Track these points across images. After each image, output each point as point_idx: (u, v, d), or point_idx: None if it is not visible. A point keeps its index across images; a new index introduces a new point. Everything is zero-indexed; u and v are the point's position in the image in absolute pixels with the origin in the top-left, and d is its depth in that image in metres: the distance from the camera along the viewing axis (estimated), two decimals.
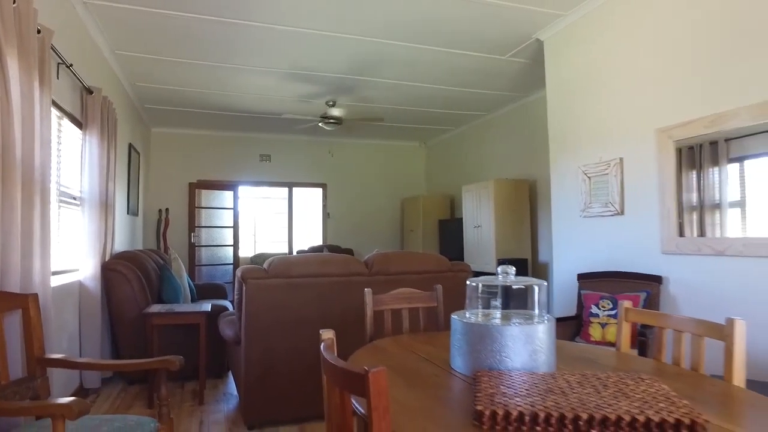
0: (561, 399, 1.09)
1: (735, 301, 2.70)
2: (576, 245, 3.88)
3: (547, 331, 1.39)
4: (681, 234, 3.02)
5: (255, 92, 5.88)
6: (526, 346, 1.35)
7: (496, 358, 1.35)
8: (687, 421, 0.96)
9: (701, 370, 1.45)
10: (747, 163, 2.71)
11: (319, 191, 8.67)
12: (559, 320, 3.32)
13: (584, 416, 0.99)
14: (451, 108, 6.69)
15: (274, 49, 4.54)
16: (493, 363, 1.36)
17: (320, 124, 6.20)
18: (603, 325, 3.08)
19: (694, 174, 2.98)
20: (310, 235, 8.67)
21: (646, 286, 3.13)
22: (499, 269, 1.52)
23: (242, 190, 8.22)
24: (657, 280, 3.13)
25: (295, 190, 8.55)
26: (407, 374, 1.43)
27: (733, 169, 2.78)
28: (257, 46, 4.47)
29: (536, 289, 1.47)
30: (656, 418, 0.97)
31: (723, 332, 1.38)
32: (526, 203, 5.95)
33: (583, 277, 3.55)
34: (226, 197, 8.05)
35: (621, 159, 3.46)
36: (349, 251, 7.83)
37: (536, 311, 1.47)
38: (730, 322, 1.36)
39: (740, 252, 2.69)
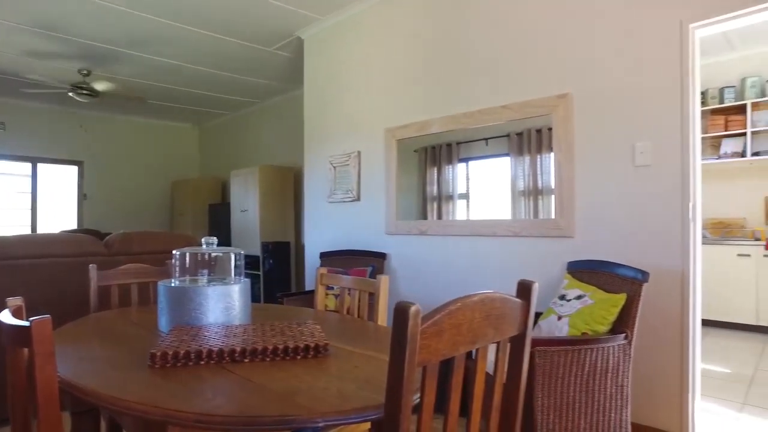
0: (230, 340, 1.35)
1: (433, 267, 3.43)
2: (323, 227, 4.35)
3: (240, 291, 1.65)
4: (425, 217, 3.54)
5: None
6: (219, 303, 1.59)
7: (192, 315, 1.56)
8: (313, 345, 1.31)
9: (363, 315, 1.90)
10: (471, 163, 3.39)
11: (73, 169, 7.66)
12: (304, 293, 3.72)
13: (238, 349, 1.26)
14: (224, 93, 6.65)
15: None
16: (190, 320, 1.56)
17: (71, 94, 5.53)
18: (336, 296, 3.56)
19: (435, 170, 3.59)
20: (62, 218, 7.61)
21: (373, 261, 3.73)
22: (203, 240, 1.72)
23: None
24: (382, 256, 3.76)
25: (41, 166, 7.39)
26: (110, 336, 1.54)
27: (461, 167, 3.41)
28: None
29: (233, 256, 1.72)
30: (291, 345, 1.30)
31: (374, 286, 1.84)
32: (291, 189, 6.33)
33: (324, 255, 4.02)
34: None
35: (359, 152, 4.01)
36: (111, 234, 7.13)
37: (233, 275, 1.72)
38: (378, 279, 1.82)
39: (436, 232, 3.43)
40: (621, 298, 2.14)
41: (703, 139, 5.26)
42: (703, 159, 5.19)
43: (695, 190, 2.34)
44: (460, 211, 3.39)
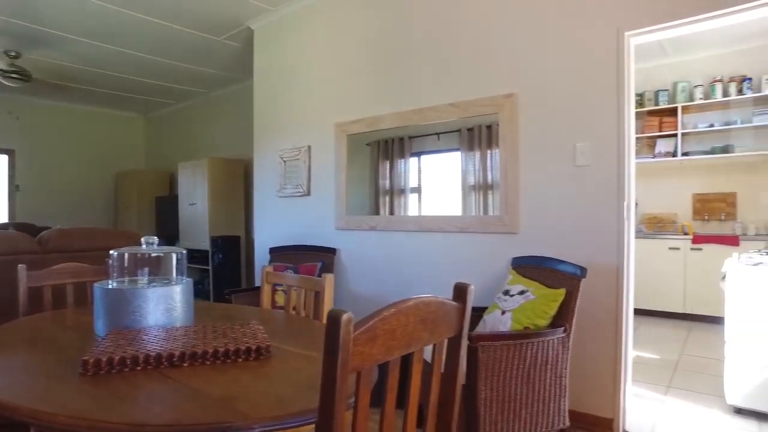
0: (169, 344, 1.32)
1: (383, 263, 3.46)
2: (273, 222, 4.29)
3: (182, 292, 1.61)
4: (377, 213, 3.55)
5: None
6: (159, 305, 1.54)
7: (131, 318, 1.51)
8: (254, 347, 1.31)
9: (309, 314, 1.90)
10: (423, 157, 3.40)
11: (3, 159, 7.19)
12: (253, 289, 3.67)
13: (177, 353, 1.24)
14: (172, 82, 6.41)
15: None
16: (128, 323, 1.51)
17: None
18: (285, 292, 3.53)
19: (387, 164, 3.57)
20: None
21: (323, 257, 3.72)
22: (144, 239, 1.67)
23: None
24: (332, 251, 3.75)
25: None
26: (40, 342, 1.47)
27: (414, 161, 3.42)
28: None
29: (174, 256, 1.68)
30: (232, 347, 1.29)
31: (319, 285, 1.84)
32: (242, 182, 6.20)
33: (273, 251, 3.97)
34: None
35: (309, 147, 3.98)
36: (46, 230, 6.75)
37: (174, 275, 1.68)
38: (323, 277, 1.82)
39: (385, 227, 3.46)
40: (560, 293, 2.24)
41: (639, 139, 5.54)
42: (640, 158, 5.47)
43: (629, 190, 2.47)
44: (412, 205, 3.41)
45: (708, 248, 4.88)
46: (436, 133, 3.24)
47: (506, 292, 2.47)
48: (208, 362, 1.26)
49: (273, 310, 2.01)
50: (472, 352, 2.01)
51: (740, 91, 4.97)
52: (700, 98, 5.15)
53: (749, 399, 2.62)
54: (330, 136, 3.82)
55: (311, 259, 3.75)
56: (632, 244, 2.49)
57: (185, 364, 1.24)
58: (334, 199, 3.79)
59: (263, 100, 4.43)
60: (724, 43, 5.02)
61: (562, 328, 2.21)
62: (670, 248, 5.09)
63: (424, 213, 3.30)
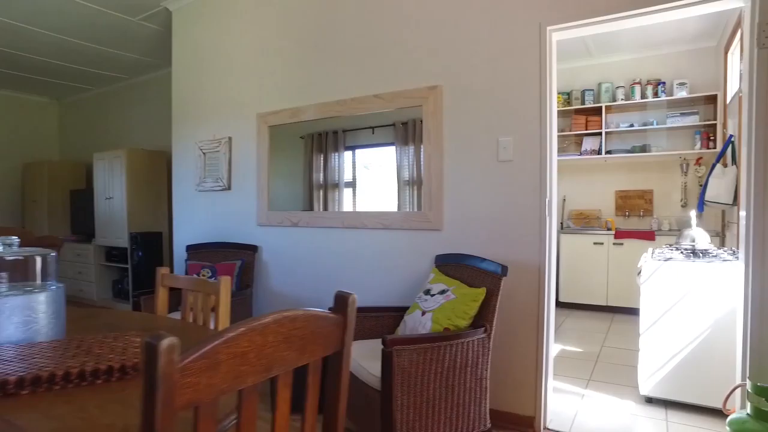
0: (10, 366, 1.11)
1: (306, 261, 3.30)
2: (193, 218, 4.02)
3: (48, 301, 1.39)
4: (311, 208, 3.36)
5: None
6: (14, 317, 1.32)
7: None
8: (118, 365, 1.12)
9: (206, 321, 1.72)
10: (358, 151, 3.25)
11: None
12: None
13: (12, 379, 1.03)
14: (87, 65, 5.89)
15: None
16: None
17: None
18: None
19: (322, 157, 3.39)
20: None
21: (243, 255, 3.51)
22: (0, 240, 1.43)
23: None
24: (253, 248, 3.54)
25: None
26: None
27: (348, 156, 3.26)
28: None
29: (38, 260, 1.45)
30: (89, 367, 1.10)
31: (214, 288, 1.66)
32: (164, 175, 5.81)
33: (191, 249, 3.71)
34: None
35: (230, 138, 3.74)
36: None
37: (38, 281, 1.45)
38: (219, 280, 1.65)
39: (308, 223, 3.30)
40: (481, 293, 2.18)
41: (567, 136, 5.68)
42: (568, 155, 5.61)
43: (552, 186, 2.45)
44: (347, 200, 3.29)
45: (628, 243, 5.07)
46: (370, 127, 3.11)
47: (427, 292, 2.39)
48: (57, 386, 1.06)
49: (168, 317, 1.81)
50: (387, 358, 1.90)
51: (656, 94, 5.19)
52: (622, 99, 5.34)
53: (659, 388, 2.70)
54: (252, 127, 3.60)
55: (230, 257, 3.52)
56: (554, 241, 2.48)
57: (24, 392, 1.04)
58: (256, 193, 3.58)
59: (182, 88, 4.13)
60: (642, 47, 5.23)
61: (483, 329, 2.15)
62: (595, 243, 5.25)
63: (359, 208, 3.16)
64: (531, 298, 2.45)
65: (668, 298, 2.65)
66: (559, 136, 5.71)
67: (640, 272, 2.84)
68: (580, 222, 5.72)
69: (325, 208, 3.36)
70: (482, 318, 2.18)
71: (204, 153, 3.90)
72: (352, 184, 3.27)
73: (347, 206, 3.23)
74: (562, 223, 5.79)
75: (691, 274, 2.59)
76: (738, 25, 4.16)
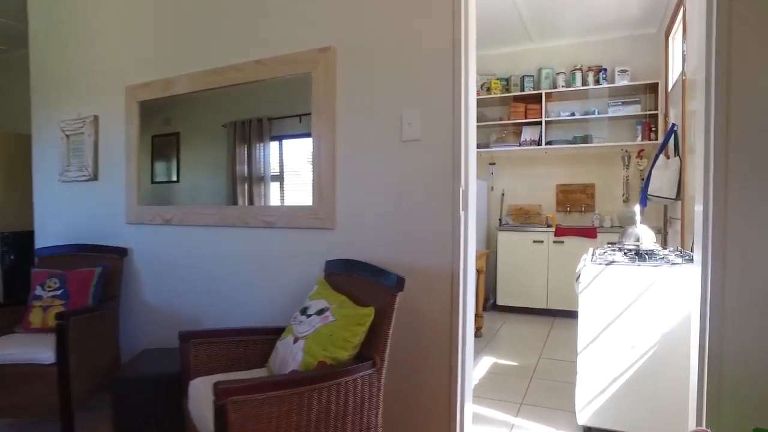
0: None
1: (182, 265, 2.66)
2: (56, 214, 3.28)
3: None
4: (235, 203, 2.70)
5: None
6: None
7: None
8: None
9: None
10: (285, 142, 2.70)
11: None
12: (15, 304, 2.71)
13: None
14: None
15: None
16: None
17: None
18: (45, 308, 2.60)
19: (245, 148, 2.81)
20: None
21: (105, 260, 2.83)
22: None
23: None
24: (121, 251, 2.87)
25: None
26: None
27: (275, 146, 2.71)
28: None
29: None
30: None
31: None
32: None
33: (42, 253, 2.99)
34: None
35: (96, 117, 3.03)
36: None
37: None
38: None
39: (182, 221, 2.66)
40: (367, 314, 1.63)
41: (505, 125, 5.27)
42: (506, 145, 5.19)
43: (467, 173, 1.93)
44: (274, 195, 2.73)
45: (569, 241, 4.70)
46: (297, 115, 2.54)
47: (304, 311, 1.82)
48: None
49: None
50: (219, 413, 1.32)
51: (597, 81, 4.86)
52: (563, 86, 4.97)
53: (599, 417, 2.25)
54: (119, 102, 2.92)
55: (89, 263, 2.83)
56: (471, 242, 1.97)
57: None
58: (125, 184, 2.91)
59: (40, 56, 3.37)
60: (584, 32, 4.88)
61: (370, 362, 1.60)
62: (534, 241, 4.86)
63: (287, 203, 2.58)
64: (442, 313, 1.93)
65: (610, 310, 2.20)
66: (497, 126, 5.29)
67: (578, 277, 2.38)
68: (519, 218, 5.33)
69: (251, 203, 2.84)
70: (371, 347, 1.64)
71: (67, 135, 3.17)
72: (279, 178, 2.76)
73: (275, 202, 2.70)
74: (500, 219, 5.37)
75: (636, 281, 2.15)
76: (679, 5, 3.83)
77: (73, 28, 3.16)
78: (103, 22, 3.01)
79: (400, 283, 1.64)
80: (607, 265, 2.23)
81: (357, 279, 1.88)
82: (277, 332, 1.96)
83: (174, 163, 3.18)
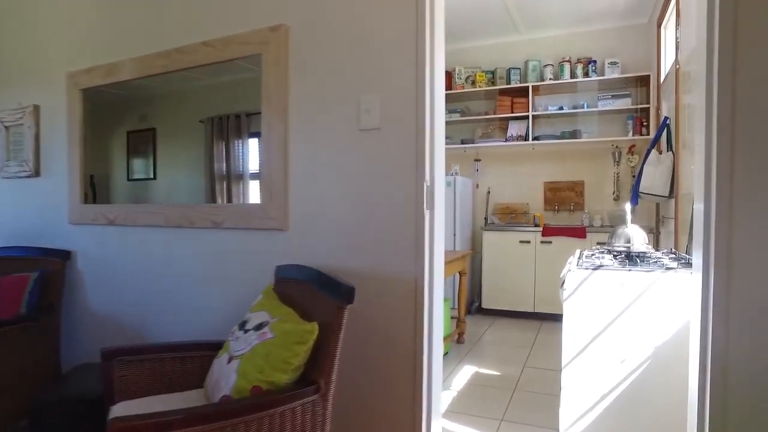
0: None
1: (129, 270, 2.40)
2: None
3: None
4: (213, 201, 2.46)
5: None
6: None
7: None
8: None
9: None
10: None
11: None
12: None
13: None
14: None
15: None
16: None
17: None
18: None
19: (223, 145, 2.56)
20: None
21: (45, 264, 2.56)
22: None
23: None
24: (62, 254, 2.61)
25: None
26: None
27: (253, 143, 2.46)
28: None
29: None
30: None
31: None
32: None
33: None
34: None
35: (36, 106, 2.77)
36: None
37: None
38: None
39: (126, 221, 2.41)
40: (310, 331, 1.38)
41: (490, 120, 5.04)
42: (491, 141, 4.97)
43: (433, 166, 1.69)
44: (253, 193, 2.50)
45: (557, 241, 4.48)
46: None
47: (243, 325, 1.57)
48: None
49: None
50: None
51: (586, 74, 4.63)
52: (551, 78, 4.74)
53: None
54: (61, 90, 2.65)
55: (26, 267, 2.56)
56: (438, 245, 1.73)
57: None
58: (67, 181, 2.64)
59: None
60: (572, 23, 4.66)
61: (313, 387, 1.36)
62: (521, 242, 4.63)
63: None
64: (404, 327, 1.69)
65: (598, 319, 1.97)
66: (482, 120, 5.06)
67: (563, 283, 2.15)
68: (505, 217, 5.10)
69: (230, 201, 2.60)
70: (315, 369, 1.39)
71: (6, 127, 2.90)
72: (259, 176, 2.52)
73: (254, 200, 2.45)
74: (486, 218, 5.14)
75: (626, 287, 1.92)
76: None
77: (11, 11, 2.89)
78: (42, 4, 2.74)
79: (348, 294, 1.39)
80: (594, 269, 1.99)
81: (306, 288, 1.63)
82: (220, 347, 1.71)
83: (151, 160, 2.95)
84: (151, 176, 2.82)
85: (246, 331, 1.51)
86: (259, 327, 1.48)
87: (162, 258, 2.29)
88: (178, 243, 2.22)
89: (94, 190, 2.80)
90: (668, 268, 1.91)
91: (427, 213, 1.65)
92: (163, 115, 2.65)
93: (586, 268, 2.02)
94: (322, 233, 1.83)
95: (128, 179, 2.84)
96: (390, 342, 1.70)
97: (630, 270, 1.93)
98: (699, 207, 1.39)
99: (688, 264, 1.99)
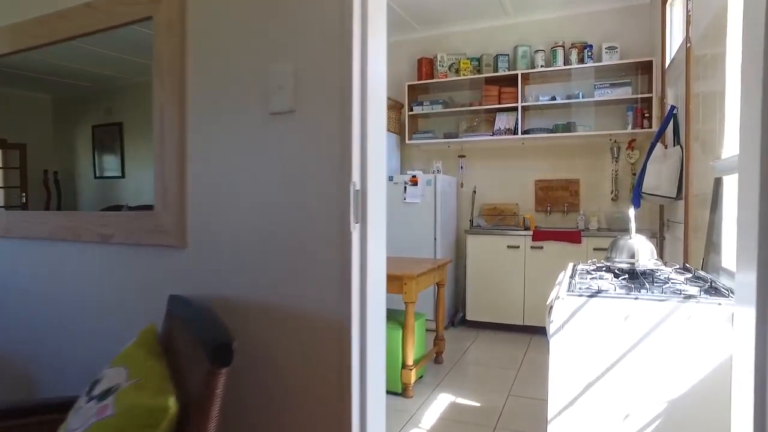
0: None
1: (21, 290, 1.94)
2: None
3: None
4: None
5: None
6: None
7: None
8: None
9: None
10: None
11: None
12: None
13: None
14: None
15: None
16: None
17: None
18: None
19: None
20: None
21: None
22: None
23: None
24: None
25: None
26: None
27: None
28: None
29: None
30: None
31: None
32: None
33: None
34: None
35: None
36: None
37: None
38: None
39: (8, 231, 1.94)
40: (161, 410, 0.93)
41: (476, 112, 4.59)
42: (477, 135, 4.51)
43: (366, 162, 1.23)
44: None
45: (549, 246, 4.03)
46: None
47: (92, 387, 1.11)
48: None
49: None
50: None
51: (581, 60, 4.18)
52: (542, 65, 4.28)
53: None
54: None
55: None
56: (375, 271, 1.27)
57: None
58: None
59: None
60: (566, 4, 4.21)
61: None
62: (509, 246, 4.18)
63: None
64: (326, 389, 1.23)
65: (594, 362, 1.52)
66: (467, 112, 4.60)
67: (550, 310, 1.70)
68: (493, 219, 4.65)
69: None
70: None
71: None
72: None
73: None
74: (471, 220, 4.69)
75: (632, 320, 1.47)
76: None
77: None
78: None
79: (222, 352, 0.93)
80: (590, 297, 1.54)
81: (193, 330, 1.17)
82: (70, 408, 1.25)
83: (118, 156, 2.48)
84: (119, 174, 2.36)
85: (90, 399, 1.06)
86: (104, 395, 1.03)
87: (50, 279, 1.82)
88: (64, 260, 1.76)
89: (59, 189, 2.34)
90: (687, 296, 1.45)
91: (355, 228, 1.20)
92: (128, 108, 2.19)
93: (580, 295, 1.57)
94: (226, 253, 1.38)
95: (95, 177, 2.38)
96: (307, 411, 1.24)
97: (636, 298, 1.48)
98: (744, 216, 0.94)
99: (712, 288, 1.54)
